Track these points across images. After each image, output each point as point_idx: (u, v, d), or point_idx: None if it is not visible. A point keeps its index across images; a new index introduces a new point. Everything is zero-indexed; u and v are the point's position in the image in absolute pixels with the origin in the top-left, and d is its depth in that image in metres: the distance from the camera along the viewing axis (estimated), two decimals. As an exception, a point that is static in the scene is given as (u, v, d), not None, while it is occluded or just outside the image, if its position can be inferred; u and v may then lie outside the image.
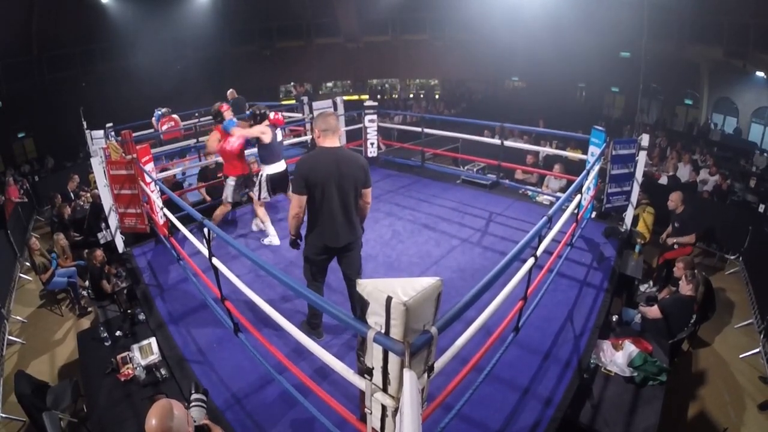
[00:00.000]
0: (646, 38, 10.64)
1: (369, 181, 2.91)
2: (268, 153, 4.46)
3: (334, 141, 2.81)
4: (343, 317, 1.79)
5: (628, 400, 2.95)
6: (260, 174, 4.55)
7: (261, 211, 4.74)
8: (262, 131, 4.35)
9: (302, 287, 2.04)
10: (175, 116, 8.12)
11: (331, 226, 2.84)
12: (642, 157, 4.60)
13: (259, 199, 4.63)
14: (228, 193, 4.68)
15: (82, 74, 13.39)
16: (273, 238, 4.76)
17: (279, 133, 4.58)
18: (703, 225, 4.96)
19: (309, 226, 2.93)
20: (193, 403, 2.19)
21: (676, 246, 5.00)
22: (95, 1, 12.70)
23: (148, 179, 4.34)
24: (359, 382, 1.81)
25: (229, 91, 8.92)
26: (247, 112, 4.57)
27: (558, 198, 4.91)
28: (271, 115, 4.65)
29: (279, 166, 4.57)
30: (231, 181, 4.65)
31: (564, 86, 14.82)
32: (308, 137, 7.22)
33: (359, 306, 1.68)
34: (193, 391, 2.27)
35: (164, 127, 7.84)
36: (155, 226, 4.60)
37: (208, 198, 5.95)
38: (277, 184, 4.59)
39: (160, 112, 8.26)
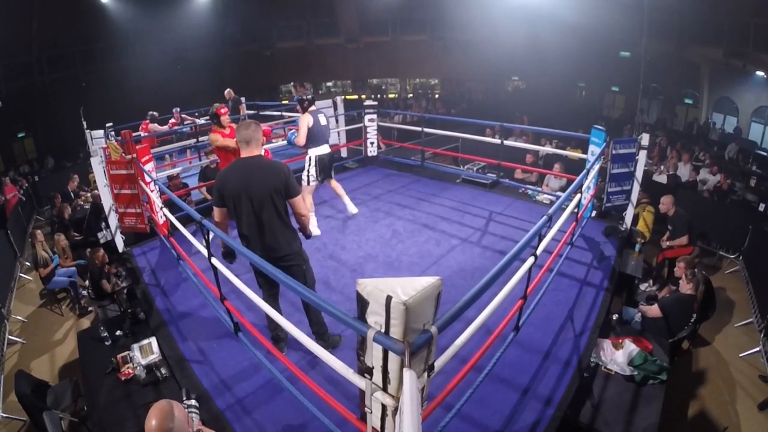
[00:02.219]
0: (646, 38, 10.64)
1: (292, 190, 2.70)
2: (312, 137, 4.59)
3: (251, 151, 2.72)
4: (343, 317, 1.79)
5: (628, 399, 2.95)
6: (307, 156, 4.69)
7: (309, 200, 4.78)
8: (308, 122, 4.53)
9: (302, 287, 2.04)
10: (153, 124, 8.07)
11: (253, 237, 2.75)
12: (642, 157, 4.60)
13: (308, 184, 4.72)
14: None
15: (82, 74, 13.40)
16: (314, 229, 4.74)
17: (321, 117, 4.69)
18: (694, 226, 4.98)
19: (239, 238, 2.86)
20: (186, 411, 2.18)
21: (673, 247, 5.02)
22: (95, 1, 12.71)
23: (147, 179, 4.34)
24: (359, 382, 1.81)
25: (226, 91, 8.93)
26: (296, 97, 4.93)
27: (558, 197, 4.90)
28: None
29: (324, 149, 4.74)
30: None
31: (564, 86, 14.82)
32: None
33: (359, 306, 1.68)
34: (185, 398, 2.25)
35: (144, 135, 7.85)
36: (155, 225, 4.60)
37: (209, 197, 5.94)
38: (324, 165, 4.76)
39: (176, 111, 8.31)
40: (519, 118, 11.07)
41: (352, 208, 5.18)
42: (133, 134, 8.10)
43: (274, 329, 3.06)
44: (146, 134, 7.87)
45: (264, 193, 2.65)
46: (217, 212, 2.81)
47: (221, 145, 4.47)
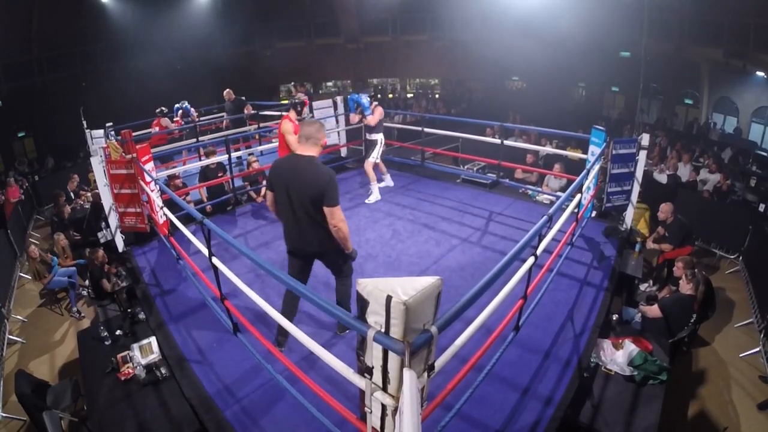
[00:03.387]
0: (646, 38, 10.64)
1: (328, 199, 2.68)
2: (379, 125, 5.88)
3: (306, 149, 2.81)
4: (343, 317, 1.79)
5: (628, 399, 2.95)
6: (378, 139, 5.89)
7: (371, 171, 5.94)
8: (381, 112, 5.92)
9: (302, 286, 2.04)
10: (163, 120, 8.08)
11: (286, 228, 2.92)
12: (642, 157, 4.60)
13: (371, 159, 5.89)
14: None
15: (82, 74, 13.37)
16: (374, 197, 5.87)
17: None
18: (692, 233, 4.98)
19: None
20: None
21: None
22: (95, 1, 12.70)
23: (147, 178, 4.34)
24: (359, 382, 1.81)
25: (225, 92, 8.91)
26: (362, 96, 5.97)
27: (558, 197, 4.90)
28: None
29: (383, 135, 6.00)
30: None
31: (564, 86, 14.81)
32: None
33: (359, 305, 1.68)
34: None
35: (153, 131, 7.84)
36: (155, 225, 4.60)
37: (204, 199, 5.94)
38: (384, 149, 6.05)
39: (179, 106, 8.32)
40: (511, 117, 11.11)
41: (391, 182, 6.41)
42: (145, 131, 8.20)
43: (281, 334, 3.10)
44: (161, 130, 7.89)
45: (301, 194, 2.72)
46: (268, 195, 2.99)
47: (288, 140, 4.55)
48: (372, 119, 5.78)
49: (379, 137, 5.92)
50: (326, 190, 2.67)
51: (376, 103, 5.96)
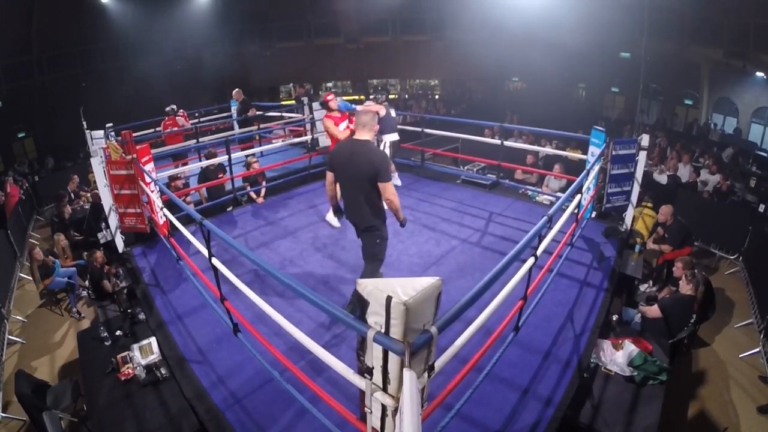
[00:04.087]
0: (646, 38, 10.64)
1: (380, 176, 3.08)
2: (383, 125, 5.48)
3: (362, 135, 3.22)
4: (342, 317, 1.79)
5: (628, 400, 2.95)
6: (383, 142, 5.72)
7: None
8: (378, 109, 5.24)
9: (302, 287, 2.04)
10: (178, 117, 8.09)
11: (345, 206, 3.36)
12: (642, 157, 4.61)
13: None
14: None
15: (82, 74, 13.37)
16: (395, 181, 5.86)
17: (393, 110, 5.93)
18: (687, 240, 4.97)
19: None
20: None
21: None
22: (95, 1, 12.70)
23: (147, 179, 4.34)
24: (359, 382, 1.81)
25: (235, 91, 8.92)
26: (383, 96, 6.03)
27: (558, 198, 4.91)
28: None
29: (395, 136, 5.92)
30: None
31: (564, 86, 14.81)
32: (308, 137, 7.22)
33: (359, 306, 1.68)
34: None
35: (167, 130, 7.83)
36: (155, 226, 4.60)
37: (204, 200, 5.95)
38: (396, 148, 6.03)
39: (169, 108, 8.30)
40: (509, 117, 11.13)
41: (398, 181, 6.31)
42: (146, 131, 8.19)
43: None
44: (176, 129, 7.89)
45: (358, 173, 3.11)
46: (328, 175, 3.38)
47: (331, 133, 5.15)
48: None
49: (387, 138, 5.83)
50: (380, 169, 3.08)
51: (384, 103, 5.79)
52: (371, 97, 5.79)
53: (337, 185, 3.37)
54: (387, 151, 5.71)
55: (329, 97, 5.42)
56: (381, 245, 3.33)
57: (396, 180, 6.37)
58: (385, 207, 3.28)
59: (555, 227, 3.28)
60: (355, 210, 3.25)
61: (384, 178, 3.09)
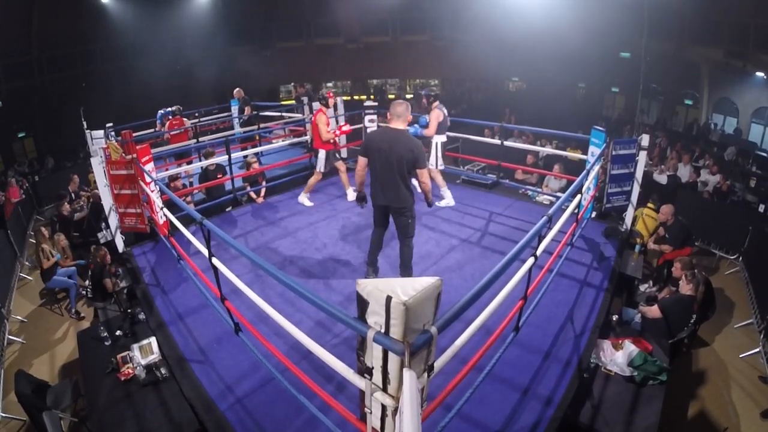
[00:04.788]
0: (646, 38, 10.64)
1: (419, 163, 3.42)
2: (441, 128, 5.39)
3: (398, 124, 3.48)
4: (342, 317, 1.79)
5: (628, 400, 2.95)
6: (434, 143, 5.45)
7: (439, 178, 5.61)
8: (438, 115, 5.30)
9: (302, 287, 2.04)
10: (185, 118, 8.09)
11: (375, 186, 3.59)
12: (642, 157, 4.60)
13: (436, 167, 5.51)
14: (320, 165, 5.59)
15: (82, 74, 13.38)
16: (449, 200, 5.61)
17: (444, 109, 5.48)
18: (687, 240, 4.97)
19: (371, 186, 3.66)
20: None
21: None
22: (95, 1, 12.70)
23: (147, 179, 4.34)
24: (359, 382, 1.81)
25: (236, 90, 8.93)
26: (424, 91, 5.65)
27: (558, 198, 4.90)
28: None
29: (443, 137, 5.54)
30: (322, 155, 5.53)
31: (564, 86, 14.81)
32: (308, 137, 7.22)
33: (359, 306, 1.68)
34: None
35: (173, 130, 7.84)
36: (155, 225, 4.60)
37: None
38: (444, 149, 5.62)
39: (163, 112, 8.28)
40: (507, 116, 11.15)
41: (450, 201, 5.73)
42: (147, 131, 8.18)
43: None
44: (182, 128, 7.90)
45: (397, 158, 3.39)
46: (360, 160, 3.65)
47: (319, 129, 5.32)
48: (431, 129, 5.28)
49: (435, 140, 5.45)
50: (418, 156, 3.41)
51: (436, 103, 5.36)
52: (422, 94, 5.53)
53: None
54: (438, 153, 5.52)
55: (331, 95, 5.57)
56: (413, 223, 3.67)
57: (449, 199, 5.64)
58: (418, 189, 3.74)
59: (555, 227, 3.27)
60: (392, 193, 3.52)
61: (422, 164, 3.46)
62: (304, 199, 5.81)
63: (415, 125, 5.23)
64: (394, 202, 3.55)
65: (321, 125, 5.34)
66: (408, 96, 17.41)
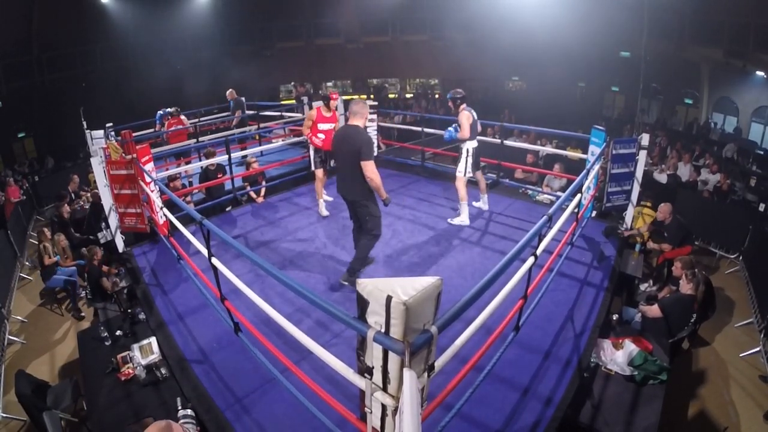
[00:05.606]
0: (646, 38, 10.64)
1: (364, 155, 3.49)
2: (473, 131, 4.93)
3: (355, 120, 3.64)
4: (342, 317, 1.79)
5: (628, 399, 2.95)
6: (464, 149, 4.97)
7: (463, 190, 5.04)
8: (468, 117, 4.88)
9: (302, 287, 2.04)
10: (182, 116, 8.11)
11: (338, 181, 3.81)
12: (642, 157, 4.60)
13: (464, 175, 5.02)
14: (312, 163, 5.68)
15: (82, 74, 13.37)
16: (459, 219, 5.12)
17: (474, 112, 5.00)
18: (687, 239, 4.96)
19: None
20: (182, 421, 2.06)
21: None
22: (95, 1, 12.70)
23: (147, 179, 4.34)
24: (359, 382, 1.81)
25: (228, 91, 8.92)
26: (449, 95, 5.23)
27: (558, 197, 4.90)
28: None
29: (475, 143, 5.02)
30: (311, 152, 5.69)
31: (564, 85, 14.81)
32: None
33: (359, 306, 1.68)
34: (180, 408, 2.20)
35: (171, 129, 7.85)
36: (155, 225, 4.60)
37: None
38: (476, 157, 5.09)
39: (162, 112, 8.28)
40: (506, 116, 11.18)
41: (485, 205, 5.47)
42: (147, 131, 8.19)
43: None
44: (180, 127, 7.94)
45: (348, 152, 3.56)
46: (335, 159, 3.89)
47: (306, 123, 5.32)
48: (464, 132, 4.84)
49: (465, 146, 4.95)
50: (362, 148, 3.49)
51: (463, 105, 4.93)
52: (448, 97, 5.12)
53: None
54: (469, 160, 4.96)
55: (334, 96, 5.48)
56: (372, 221, 3.74)
57: (464, 217, 5.11)
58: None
59: (555, 226, 3.27)
60: (348, 186, 3.71)
61: (366, 156, 3.49)
62: (321, 209, 5.49)
63: (449, 129, 5.02)
64: (350, 195, 3.73)
65: (307, 121, 5.31)
66: (408, 96, 17.47)
